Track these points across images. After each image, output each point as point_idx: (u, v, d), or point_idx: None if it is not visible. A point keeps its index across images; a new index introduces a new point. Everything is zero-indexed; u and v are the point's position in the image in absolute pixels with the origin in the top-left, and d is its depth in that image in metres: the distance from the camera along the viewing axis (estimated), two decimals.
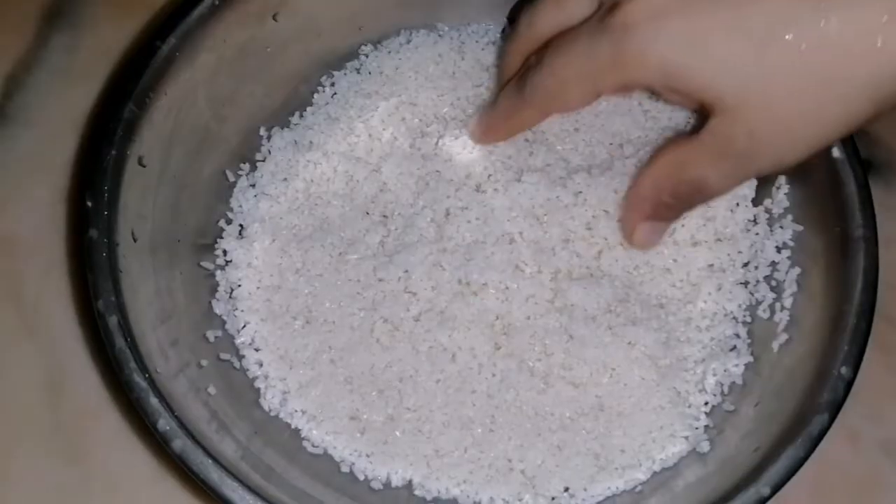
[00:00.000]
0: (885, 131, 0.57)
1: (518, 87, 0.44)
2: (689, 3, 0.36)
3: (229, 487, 0.37)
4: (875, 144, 0.57)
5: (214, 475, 0.37)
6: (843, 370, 0.40)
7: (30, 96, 0.56)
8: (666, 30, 0.36)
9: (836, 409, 0.39)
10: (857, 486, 0.49)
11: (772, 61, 0.35)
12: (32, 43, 0.57)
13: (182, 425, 0.38)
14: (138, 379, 0.38)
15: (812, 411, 0.39)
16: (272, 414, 0.45)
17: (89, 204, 0.41)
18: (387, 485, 0.44)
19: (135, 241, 0.42)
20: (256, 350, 0.46)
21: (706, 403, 0.46)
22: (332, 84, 0.52)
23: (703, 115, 0.39)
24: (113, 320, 0.39)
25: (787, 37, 0.34)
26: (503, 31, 0.53)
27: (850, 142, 0.44)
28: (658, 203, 0.43)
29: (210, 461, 0.37)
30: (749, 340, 0.47)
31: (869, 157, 0.56)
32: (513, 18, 0.52)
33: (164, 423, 0.38)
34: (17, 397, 0.49)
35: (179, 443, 0.38)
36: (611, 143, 0.49)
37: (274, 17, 0.48)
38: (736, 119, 0.37)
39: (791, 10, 0.34)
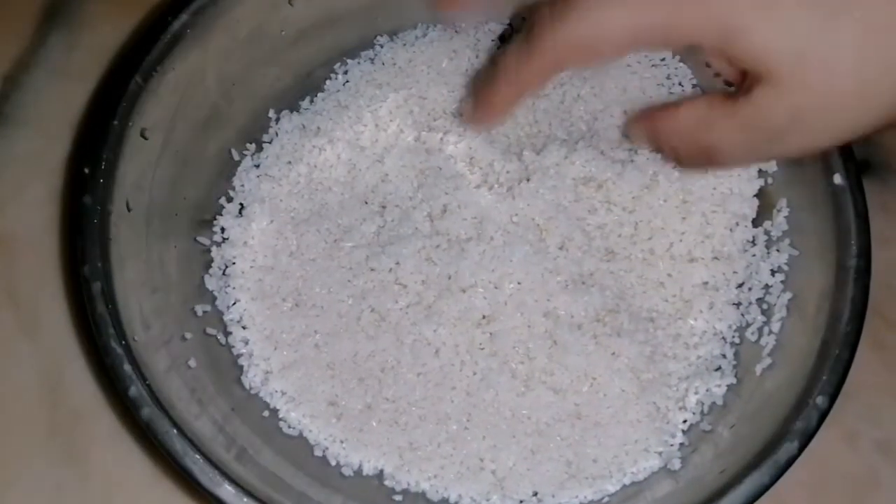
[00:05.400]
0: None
1: (529, 38, 0.39)
2: None
3: (191, 460, 0.38)
4: (872, 145, 0.56)
5: (178, 446, 0.38)
6: (819, 400, 0.39)
7: (27, 95, 0.55)
8: None
9: (807, 438, 0.39)
10: (854, 485, 0.49)
11: (838, 36, 0.34)
12: (30, 42, 0.57)
13: (153, 394, 0.39)
14: (114, 345, 0.39)
15: (783, 438, 0.39)
16: (252, 392, 0.46)
17: (86, 171, 0.41)
18: (357, 472, 0.45)
19: (129, 210, 0.43)
20: (243, 328, 0.47)
21: (685, 421, 0.45)
22: (346, 72, 0.52)
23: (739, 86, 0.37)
24: (97, 286, 0.40)
25: (856, 14, 0.33)
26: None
27: (852, 170, 0.43)
28: (664, 142, 0.42)
29: (175, 431, 0.38)
30: (735, 362, 0.46)
31: (866, 158, 0.55)
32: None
33: (135, 391, 0.38)
34: (13, 398, 0.49)
35: (147, 411, 0.38)
36: (613, 153, 0.48)
37: (290, 2, 0.49)
38: (783, 94, 0.35)
39: None
